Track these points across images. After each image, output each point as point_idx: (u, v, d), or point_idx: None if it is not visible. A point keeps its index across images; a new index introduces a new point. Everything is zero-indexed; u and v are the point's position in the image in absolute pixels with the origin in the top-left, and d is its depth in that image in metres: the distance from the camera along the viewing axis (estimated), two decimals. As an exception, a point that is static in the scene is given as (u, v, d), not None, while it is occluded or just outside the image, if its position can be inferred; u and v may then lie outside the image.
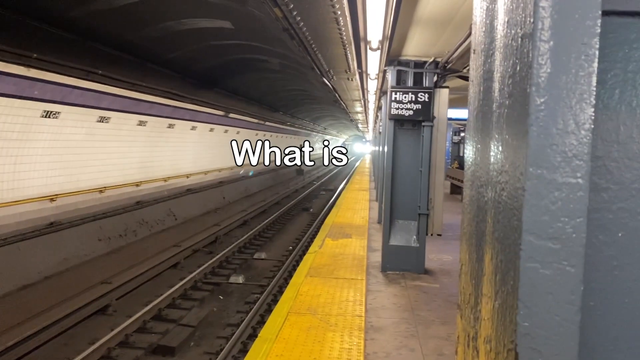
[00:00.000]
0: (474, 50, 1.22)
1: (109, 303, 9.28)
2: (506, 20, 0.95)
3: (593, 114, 0.80)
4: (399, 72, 7.84)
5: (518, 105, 0.86)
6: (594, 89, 0.80)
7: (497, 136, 0.97)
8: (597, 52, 0.79)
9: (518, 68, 0.87)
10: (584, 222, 0.80)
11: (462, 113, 16.23)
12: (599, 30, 0.79)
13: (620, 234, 0.89)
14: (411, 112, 7.67)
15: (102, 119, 12.39)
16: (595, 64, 0.79)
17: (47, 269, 10.49)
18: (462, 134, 26.85)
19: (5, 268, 9.52)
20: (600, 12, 0.80)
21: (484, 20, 1.12)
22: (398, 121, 7.93)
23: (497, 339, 0.91)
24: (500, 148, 0.95)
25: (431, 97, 7.62)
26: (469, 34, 5.48)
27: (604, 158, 0.89)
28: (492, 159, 1.00)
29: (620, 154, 0.89)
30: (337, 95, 17.58)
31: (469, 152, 1.20)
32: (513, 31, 0.90)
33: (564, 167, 0.80)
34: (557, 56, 0.80)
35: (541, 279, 0.80)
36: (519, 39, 0.87)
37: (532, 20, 0.81)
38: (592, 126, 0.80)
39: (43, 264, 10.47)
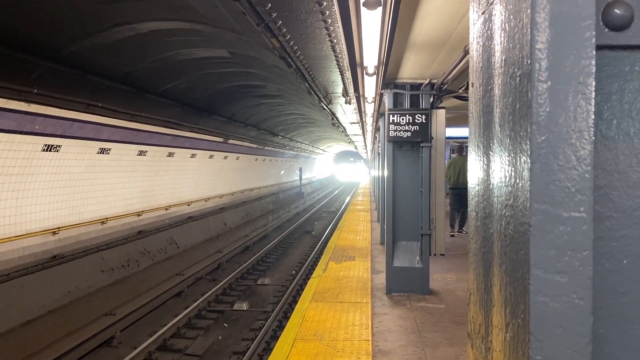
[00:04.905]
0: (472, 83, 1.25)
1: (113, 335, 9.21)
2: (503, 58, 0.98)
3: (593, 150, 0.83)
4: (395, 95, 7.91)
5: (519, 142, 0.89)
6: (592, 125, 0.82)
7: (499, 170, 1.00)
8: (593, 90, 0.83)
9: (518, 106, 0.90)
10: (590, 255, 0.82)
11: (459, 131, 16.33)
12: (594, 70, 0.83)
13: (625, 261, 0.91)
14: (409, 134, 7.72)
15: (102, 151, 12.46)
16: (593, 102, 0.83)
17: (50, 303, 10.43)
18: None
19: (8, 304, 9.46)
20: (594, 52, 0.83)
21: (481, 55, 1.15)
22: (397, 143, 7.98)
23: None
24: (503, 182, 0.97)
25: (428, 118, 7.68)
26: (463, 56, 5.55)
27: (605, 187, 0.91)
28: (495, 192, 1.02)
29: (621, 183, 0.91)
30: (335, 118, 17.70)
31: (471, 183, 1.22)
32: (511, 70, 0.94)
33: (567, 202, 0.83)
34: (555, 95, 0.83)
35: (551, 312, 0.82)
36: (517, 78, 0.90)
37: (529, 61, 0.84)
38: (593, 161, 0.83)
39: (46, 298, 10.41)
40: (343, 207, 31.10)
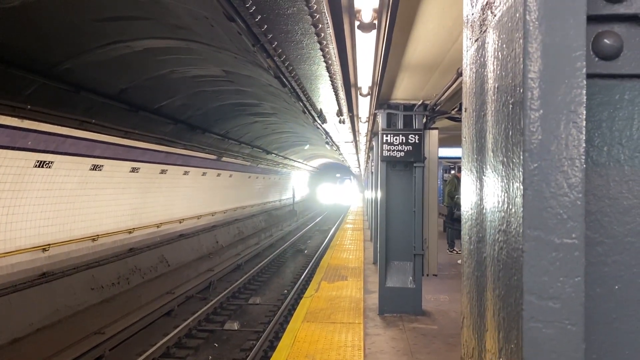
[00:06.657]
0: (466, 108, 1.26)
1: (102, 354, 9.07)
2: (496, 86, 1.00)
3: (584, 177, 0.84)
4: (389, 115, 7.97)
5: (512, 169, 0.90)
6: (584, 153, 0.84)
7: (492, 196, 1.01)
8: (584, 119, 0.84)
9: (510, 133, 0.91)
10: (582, 281, 0.83)
11: (452, 151, 16.48)
12: (585, 99, 0.84)
13: (617, 287, 0.92)
14: (402, 154, 7.75)
15: (95, 167, 12.41)
16: (584, 130, 0.84)
17: (38, 320, 10.27)
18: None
19: (-5, 321, 9.31)
20: (585, 81, 0.85)
21: (474, 81, 1.16)
22: (390, 162, 8.01)
23: None
24: (496, 207, 0.98)
25: (421, 138, 7.73)
26: (456, 78, 5.61)
27: (596, 213, 0.92)
28: (488, 217, 1.03)
29: (612, 209, 0.93)
30: (328, 137, 17.80)
31: (465, 206, 1.23)
32: (504, 97, 0.95)
33: (559, 229, 0.83)
34: (547, 124, 0.84)
35: (544, 338, 0.83)
36: (510, 106, 0.92)
37: (521, 90, 0.86)
38: (584, 188, 0.84)
39: (35, 316, 10.26)
40: (332, 231, 31.04)
